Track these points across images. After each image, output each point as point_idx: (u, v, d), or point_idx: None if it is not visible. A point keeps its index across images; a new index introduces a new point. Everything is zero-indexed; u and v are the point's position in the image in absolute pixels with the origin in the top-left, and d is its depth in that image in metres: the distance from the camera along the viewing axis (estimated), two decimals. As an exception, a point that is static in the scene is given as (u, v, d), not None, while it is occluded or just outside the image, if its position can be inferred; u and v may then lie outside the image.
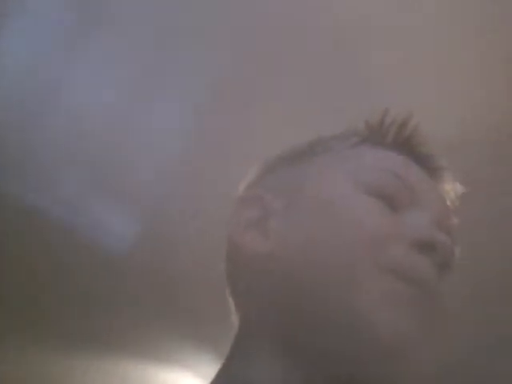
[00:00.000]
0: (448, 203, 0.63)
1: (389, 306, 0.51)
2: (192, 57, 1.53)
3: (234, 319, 0.62)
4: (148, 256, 2.17)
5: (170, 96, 1.63)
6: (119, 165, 1.82)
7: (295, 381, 0.53)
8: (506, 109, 1.56)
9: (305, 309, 0.54)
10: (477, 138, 1.61)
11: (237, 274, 0.61)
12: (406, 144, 0.63)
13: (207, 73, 1.56)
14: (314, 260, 0.54)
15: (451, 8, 1.40)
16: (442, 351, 0.52)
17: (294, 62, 1.51)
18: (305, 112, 1.58)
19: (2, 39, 1.49)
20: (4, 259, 2.07)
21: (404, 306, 0.51)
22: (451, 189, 0.64)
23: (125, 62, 1.56)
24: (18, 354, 2.49)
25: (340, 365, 0.52)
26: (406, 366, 0.51)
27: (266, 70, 1.54)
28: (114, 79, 1.59)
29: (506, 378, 2.00)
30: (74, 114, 1.66)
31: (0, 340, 2.41)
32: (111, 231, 2.06)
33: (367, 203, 0.56)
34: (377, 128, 0.64)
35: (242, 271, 0.60)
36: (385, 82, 1.52)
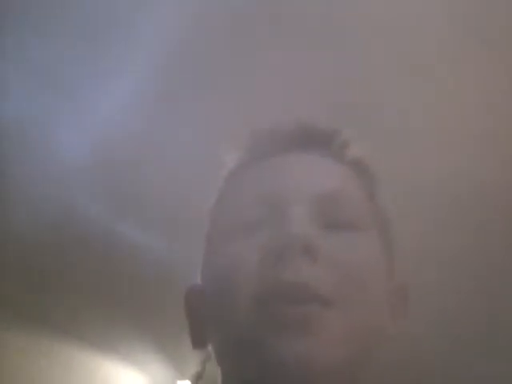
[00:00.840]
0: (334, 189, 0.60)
1: (279, 332, 0.52)
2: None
3: None
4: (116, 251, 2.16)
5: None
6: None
7: None
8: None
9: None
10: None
11: None
12: (299, 140, 0.62)
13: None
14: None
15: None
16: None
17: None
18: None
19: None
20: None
21: (293, 328, 0.52)
22: (357, 162, 0.63)
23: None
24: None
25: None
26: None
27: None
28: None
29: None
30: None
31: None
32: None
33: (227, 254, 0.57)
34: (260, 140, 0.64)
35: None
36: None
